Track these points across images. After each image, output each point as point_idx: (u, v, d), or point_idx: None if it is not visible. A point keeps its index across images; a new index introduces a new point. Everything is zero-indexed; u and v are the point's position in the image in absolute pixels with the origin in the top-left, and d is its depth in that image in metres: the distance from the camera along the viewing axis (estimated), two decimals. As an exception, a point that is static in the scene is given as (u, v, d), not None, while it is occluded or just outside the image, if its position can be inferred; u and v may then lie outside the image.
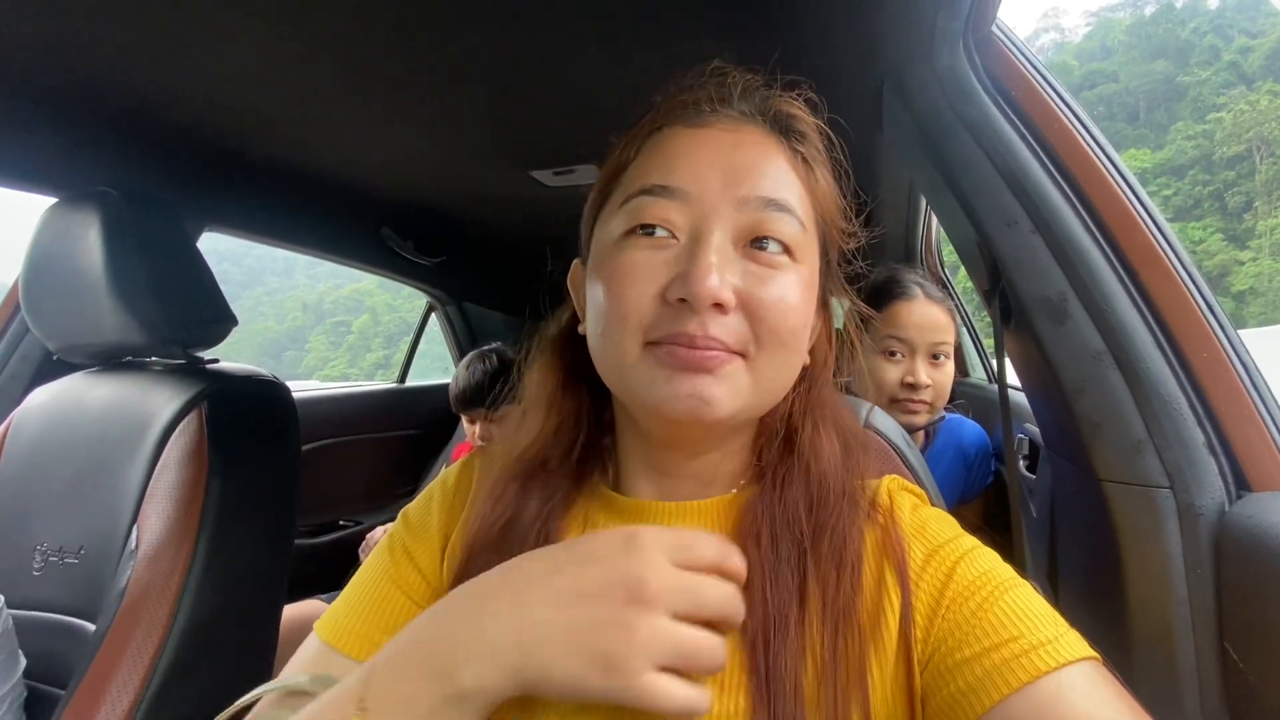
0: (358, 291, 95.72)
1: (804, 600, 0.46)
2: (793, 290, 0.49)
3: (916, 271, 1.42)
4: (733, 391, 0.47)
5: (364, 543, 1.95)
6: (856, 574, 0.47)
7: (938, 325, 1.30)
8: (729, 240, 0.48)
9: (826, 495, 0.50)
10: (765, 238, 0.48)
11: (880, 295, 1.33)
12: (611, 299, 0.48)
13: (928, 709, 0.44)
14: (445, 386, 2.57)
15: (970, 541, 0.49)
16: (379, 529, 2.00)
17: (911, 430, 1.32)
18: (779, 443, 0.54)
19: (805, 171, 0.52)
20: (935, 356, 1.31)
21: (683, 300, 0.46)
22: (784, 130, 0.53)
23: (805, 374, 0.56)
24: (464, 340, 2.58)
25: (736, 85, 0.53)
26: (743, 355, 0.47)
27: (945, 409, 1.46)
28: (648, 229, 0.49)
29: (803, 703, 0.43)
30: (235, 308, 1.19)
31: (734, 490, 0.55)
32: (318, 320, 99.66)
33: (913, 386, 1.28)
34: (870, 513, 0.51)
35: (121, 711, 0.84)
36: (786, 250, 0.49)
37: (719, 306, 0.46)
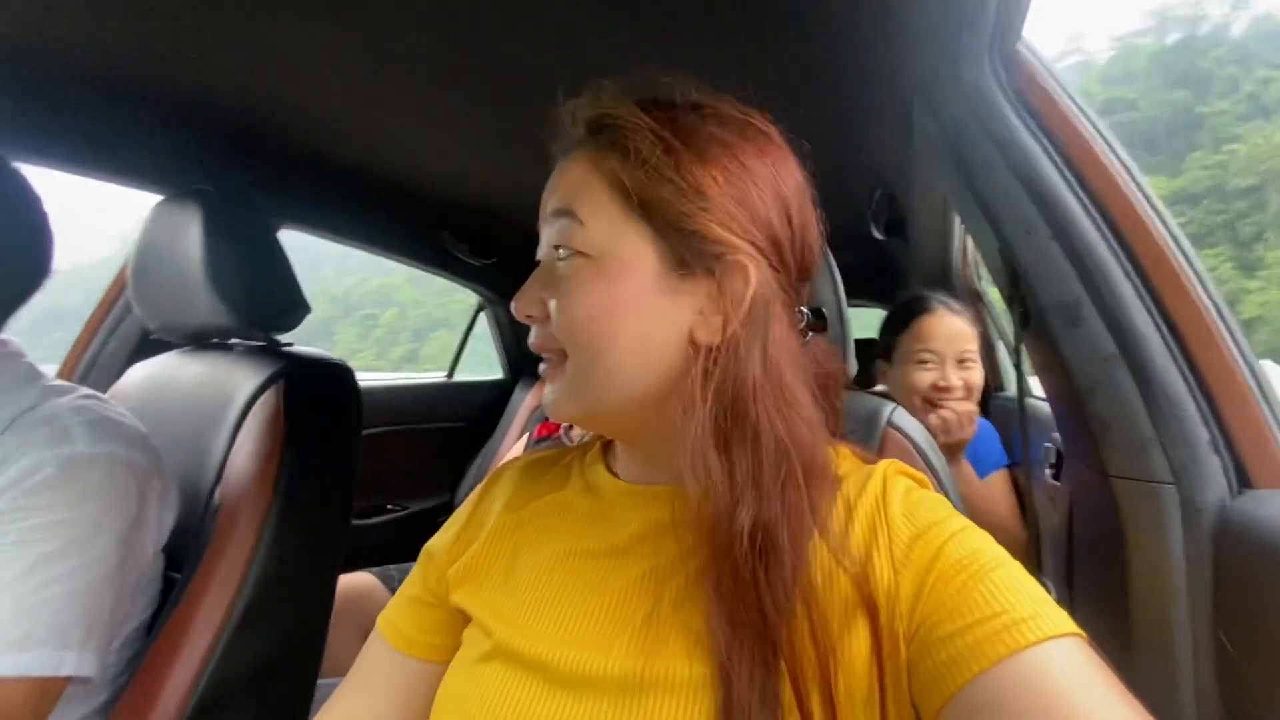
0: (385, 286, 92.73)
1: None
2: (579, 291, 0.49)
3: (938, 292, 1.51)
4: (561, 393, 0.51)
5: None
6: (798, 554, 0.44)
7: (961, 334, 1.40)
8: (549, 257, 0.53)
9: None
10: (558, 246, 0.51)
11: (907, 312, 1.44)
12: None
13: (913, 682, 0.42)
14: (492, 382, 2.58)
15: (961, 522, 0.46)
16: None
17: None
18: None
19: (618, 161, 0.49)
20: (962, 361, 1.39)
21: None
22: (595, 134, 0.52)
23: (703, 355, 0.48)
24: (509, 338, 2.57)
25: (572, 119, 0.53)
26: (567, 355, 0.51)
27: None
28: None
29: (776, 670, 0.42)
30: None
31: None
32: (346, 313, 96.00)
33: (945, 390, 1.36)
34: (858, 499, 0.48)
35: (203, 647, 0.89)
36: (579, 252, 0.50)
37: (531, 318, 0.53)
